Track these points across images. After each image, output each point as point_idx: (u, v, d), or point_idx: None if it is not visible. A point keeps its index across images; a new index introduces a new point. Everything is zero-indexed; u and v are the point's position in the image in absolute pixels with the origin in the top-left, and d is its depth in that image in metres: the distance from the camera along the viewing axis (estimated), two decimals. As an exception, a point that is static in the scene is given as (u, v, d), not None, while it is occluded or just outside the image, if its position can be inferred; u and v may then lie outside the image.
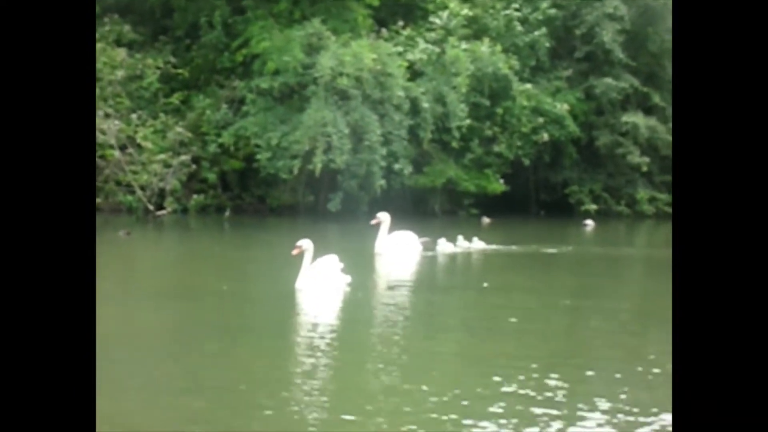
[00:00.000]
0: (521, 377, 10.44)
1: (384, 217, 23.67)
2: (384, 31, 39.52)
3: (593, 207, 40.15)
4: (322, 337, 13.17)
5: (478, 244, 25.97)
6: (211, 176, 37.02)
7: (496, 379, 10.36)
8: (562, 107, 40.11)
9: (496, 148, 39.52)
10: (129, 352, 11.84)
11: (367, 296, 17.73)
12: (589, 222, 36.94)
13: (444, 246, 25.20)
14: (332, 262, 18.10)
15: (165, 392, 9.90)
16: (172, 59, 39.36)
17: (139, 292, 17.82)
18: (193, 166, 36.74)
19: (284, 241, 22.80)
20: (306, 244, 17.42)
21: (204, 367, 11.04)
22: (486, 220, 35.93)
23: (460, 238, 25.73)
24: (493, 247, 26.06)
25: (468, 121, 37.71)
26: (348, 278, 17.57)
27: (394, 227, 24.04)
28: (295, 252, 17.43)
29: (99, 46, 38.05)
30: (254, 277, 19.82)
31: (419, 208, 39.15)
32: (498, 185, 39.33)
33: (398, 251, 23.49)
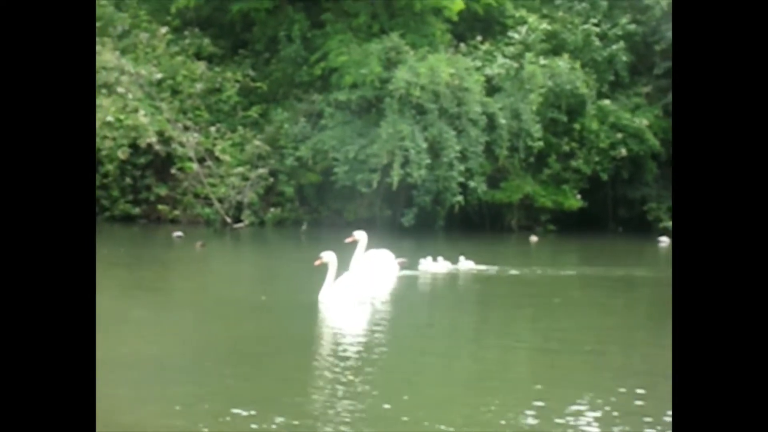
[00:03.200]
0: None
1: (360, 236, 21.93)
2: (462, 45, 39.53)
3: (671, 224, 39.76)
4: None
5: (465, 264, 23.99)
6: (289, 189, 37.16)
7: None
8: (641, 122, 39.84)
9: (574, 164, 39.34)
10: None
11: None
12: (665, 239, 36.40)
13: (427, 266, 23.47)
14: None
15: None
16: (251, 72, 39.67)
17: (197, 304, 18.14)
18: (271, 180, 36.95)
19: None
20: (328, 257, 17.41)
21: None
22: (534, 238, 35.24)
23: (440, 258, 23.76)
24: (483, 268, 23.82)
25: (540, 142, 37.44)
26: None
27: (463, 244, 23.83)
28: (317, 263, 17.47)
29: (179, 59, 38.58)
30: (310, 288, 19.64)
31: (495, 224, 39.07)
32: (575, 201, 39.13)
33: (373, 270, 21.41)
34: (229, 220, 35.96)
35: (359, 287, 17.56)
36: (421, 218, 36.05)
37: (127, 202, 36.29)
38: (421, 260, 23.56)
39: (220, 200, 36.28)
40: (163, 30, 39.54)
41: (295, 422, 9.07)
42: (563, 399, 10.18)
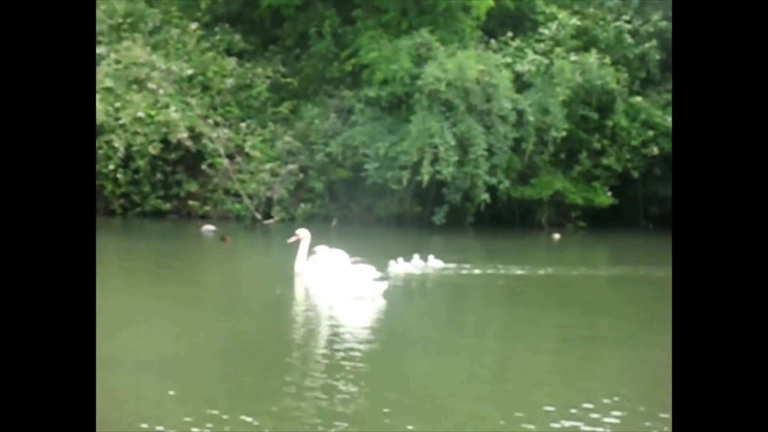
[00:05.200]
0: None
1: (303, 234, 20.73)
2: (493, 41, 39.45)
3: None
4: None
5: (434, 263, 22.65)
6: (319, 185, 37.17)
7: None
8: (673, 120, 39.70)
9: (605, 161, 39.19)
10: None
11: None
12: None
13: (397, 267, 21.65)
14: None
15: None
16: (282, 69, 39.74)
17: (208, 298, 18.32)
18: (301, 176, 36.98)
19: (388, 250, 22.83)
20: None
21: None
22: (556, 236, 34.91)
23: (416, 256, 22.42)
24: (452, 266, 22.69)
25: (564, 132, 37.29)
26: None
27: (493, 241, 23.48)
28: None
29: (210, 55, 38.69)
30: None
31: (526, 221, 39.00)
32: (606, 198, 38.99)
33: (322, 271, 19.65)
34: (259, 216, 36.01)
35: (360, 282, 17.62)
36: (451, 215, 36.01)
37: (157, 198, 36.40)
38: (391, 262, 21.59)
39: (250, 196, 36.34)
40: (194, 26, 39.65)
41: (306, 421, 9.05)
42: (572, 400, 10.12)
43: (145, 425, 8.66)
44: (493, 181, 35.95)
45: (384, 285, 17.89)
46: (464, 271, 22.41)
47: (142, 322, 14.68)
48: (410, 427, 8.89)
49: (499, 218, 38.41)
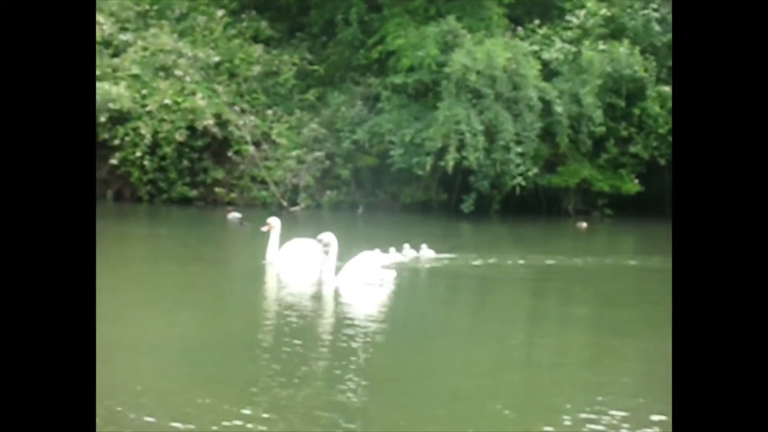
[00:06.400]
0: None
1: (275, 223, 20.44)
2: (520, 29, 39.33)
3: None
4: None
5: (426, 253, 21.98)
6: (345, 173, 37.17)
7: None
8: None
9: (632, 149, 39.01)
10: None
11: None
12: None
13: (393, 257, 20.78)
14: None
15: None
16: (308, 56, 39.70)
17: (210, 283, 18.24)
18: (327, 163, 36.97)
19: (411, 237, 22.73)
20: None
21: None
22: (583, 224, 34.47)
23: (406, 246, 21.82)
24: (446, 256, 22.04)
25: (602, 127, 37.22)
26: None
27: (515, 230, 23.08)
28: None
29: (236, 42, 38.75)
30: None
31: (552, 209, 38.89)
32: (633, 185, 38.80)
33: (294, 261, 19.91)
34: (285, 203, 36.03)
35: (370, 269, 17.56)
36: (477, 203, 35.93)
37: (184, 185, 36.46)
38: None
39: (277, 183, 36.37)
40: (221, 13, 39.71)
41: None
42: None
43: (162, 412, 8.68)
44: (521, 168, 35.85)
45: (393, 273, 17.85)
46: (467, 261, 21.85)
47: (157, 308, 14.73)
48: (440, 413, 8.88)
49: (526, 206, 38.29)
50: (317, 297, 16.55)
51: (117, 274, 17.95)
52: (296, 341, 12.19)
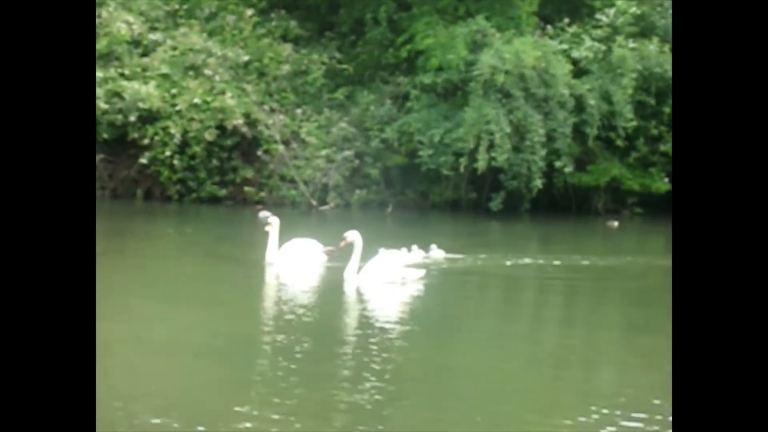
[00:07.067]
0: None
1: (274, 221, 20.21)
2: (549, 27, 39.21)
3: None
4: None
5: (436, 254, 21.38)
6: (374, 172, 37.14)
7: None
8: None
9: (662, 147, 38.81)
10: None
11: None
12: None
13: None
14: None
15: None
16: (337, 55, 39.65)
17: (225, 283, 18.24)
18: (356, 162, 36.96)
19: (439, 238, 22.65)
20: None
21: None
22: (614, 223, 34.31)
23: (415, 247, 21.03)
24: (456, 257, 21.48)
25: (634, 123, 37.12)
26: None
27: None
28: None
29: (266, 41, 38.78)
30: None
31: (582, 208, 38.77)
32: (663, 184, 38.59)
33: (295, 261, 19.76)
34: (314, 202, 36.05)
35: (392, 268, 17.52)
36: (507, 202, 35.87)
37: (213, 184, 36.51)
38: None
39: (306, 182, 36.37)
40: (250, 12, 39.73)
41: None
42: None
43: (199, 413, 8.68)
44: (558, 164, 35.85)
45: (420, 272, 17.77)
46: (477, 261, 21.60)
47: (169, 307, 14.76)
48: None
49: (555, 205, 38.19)
50: (338, 296, 16.55)
51: (132, 272, 18.07)
52: (311, 341, 12.23)
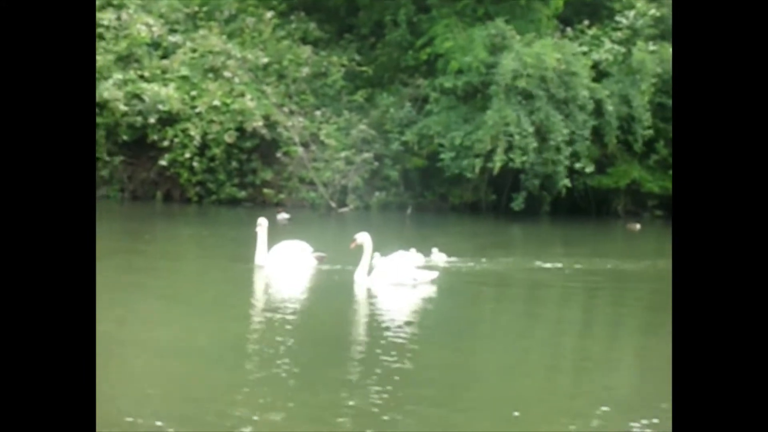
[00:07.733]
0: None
1: (262, 222, 19.72)
2: (569, 30, 39.15)
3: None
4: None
5: (438, 257, 20.89)
6: (393, 174, 37.15)
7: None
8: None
9: (682, 150, 38.71)
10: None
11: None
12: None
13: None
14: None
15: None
16: (357, 57, 39.65)
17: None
18: (376, 164, 36.94)
19: (457, 239, 22.60)
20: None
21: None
22: (636, 226, 33.96)
23: (413, 250, 19.87)
24: (455, 260, 21.11)
25: (650, 131, 37.05)
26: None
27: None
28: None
29: (285, 43, 38.80)
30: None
31: (602, 210, 38.70)
32: (683, 187, 38.52)
33: (284, 264, 19.42)
34: (333, 204, 36.05)
35: (403, 270, 17.46)
36: (527, 203, 35.81)
37: (233, 186, 36.55)
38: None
39: (325, 184, 36.39)
40: (270, 14, 39.78)
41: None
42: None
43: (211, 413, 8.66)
44: (578, 165, 35.82)
45: (433, 273, 17.69)
46: (477, 265, 21.20)
47: (174, 309, 14.75)
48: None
49: (575, 207, 38.13)
50: (349, 298, 16.50)
51: (143, 273, 18.08)
52: (320, 344, 12.22)
